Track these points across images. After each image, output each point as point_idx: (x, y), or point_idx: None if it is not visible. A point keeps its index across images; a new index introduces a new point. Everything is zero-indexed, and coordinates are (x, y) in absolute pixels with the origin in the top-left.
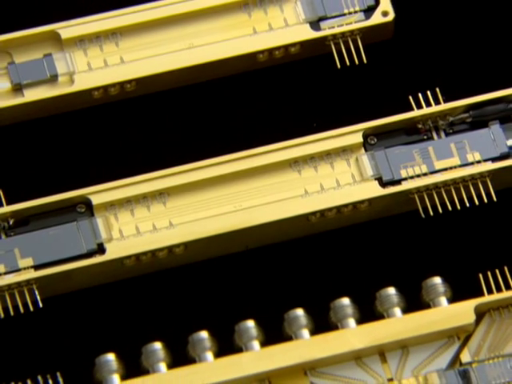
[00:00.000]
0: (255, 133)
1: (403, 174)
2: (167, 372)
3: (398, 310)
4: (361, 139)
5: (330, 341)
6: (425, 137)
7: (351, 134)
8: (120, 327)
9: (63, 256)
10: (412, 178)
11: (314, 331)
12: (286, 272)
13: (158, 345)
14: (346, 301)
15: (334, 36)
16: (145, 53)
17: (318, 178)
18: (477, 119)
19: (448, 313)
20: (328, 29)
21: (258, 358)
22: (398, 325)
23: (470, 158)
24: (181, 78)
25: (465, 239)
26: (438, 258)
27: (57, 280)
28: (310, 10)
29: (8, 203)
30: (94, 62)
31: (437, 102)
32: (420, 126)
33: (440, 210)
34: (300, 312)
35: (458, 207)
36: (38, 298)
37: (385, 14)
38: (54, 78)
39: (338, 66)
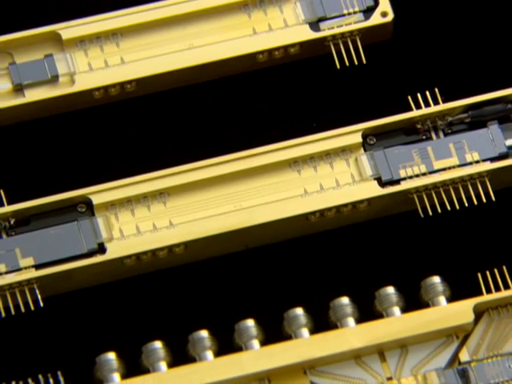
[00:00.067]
0: (255, 133)
1: (402, 173)
2: (167, 371)
3: (397, 310)
4: (360, 139)
5: (330, 340)
6: (424, 137)
7: (350, 134)
8: (120, 326)
9: (64, 255)
10: (411, 177)
11: (314, 330)
12: (286, 271)
13: (158, 344)
14: (345, 300)
15: (334, 36)
16: (145, 53)
17: (317, 177)
18: (475, 119)
19: (447, 312)
20: (327, 29)
21: (258, 357)
22: (397, 324)
23: (469, 158)
24: (181, 78)
25: (464, 239)
26: (437, 257)
27: (58, 279)
28: (309, 10)
29: (9, 203)
30: (95, 62)
31: (436, 103)
32: (419, 126)
33: (439, 210)
34: (299, 311)
35: (457, 207)
36: (39, 297)
37: (384, 14)
38: (54, 79)
39: (338, 66)
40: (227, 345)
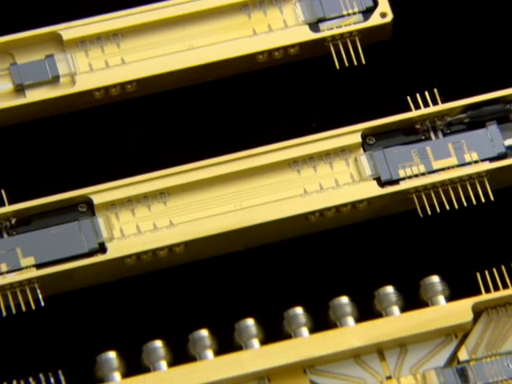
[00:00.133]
0: (255, 133)
1: (401, 173)
2: (168, 370)
3: (396, 309)
4: (359, 139)
5: (329, 339)
6: (423, 137)
7: (350, 135)
8: (121, 325)
9: (65, 255)
10: (410, 177)
11: (313, 329)
12: (286, 271)
13: (158, 343)
14: (344, 299)
15: (333, 37)
16: (145, 54)
17: (317, 177)
18: (474, 119)
19: (446, 311)
20: (327, 30)
21: (258, 356)
22: (396, 323)
23: (468, 158)
24: (181, 78)
25: (462, 238)
26: (436, 256)
27: (58, 279)
28: (309, 11)
29: (10, 203)
30: (95, 62)
31: (434, 103)
32: (418, 126)
33: (438, 210)
34: (299, 310)
35: (456, 207)
36: (40, 296)
37: (383, 15)
38: (55, 79)
39: (337, 66)
40: (227, 344)
